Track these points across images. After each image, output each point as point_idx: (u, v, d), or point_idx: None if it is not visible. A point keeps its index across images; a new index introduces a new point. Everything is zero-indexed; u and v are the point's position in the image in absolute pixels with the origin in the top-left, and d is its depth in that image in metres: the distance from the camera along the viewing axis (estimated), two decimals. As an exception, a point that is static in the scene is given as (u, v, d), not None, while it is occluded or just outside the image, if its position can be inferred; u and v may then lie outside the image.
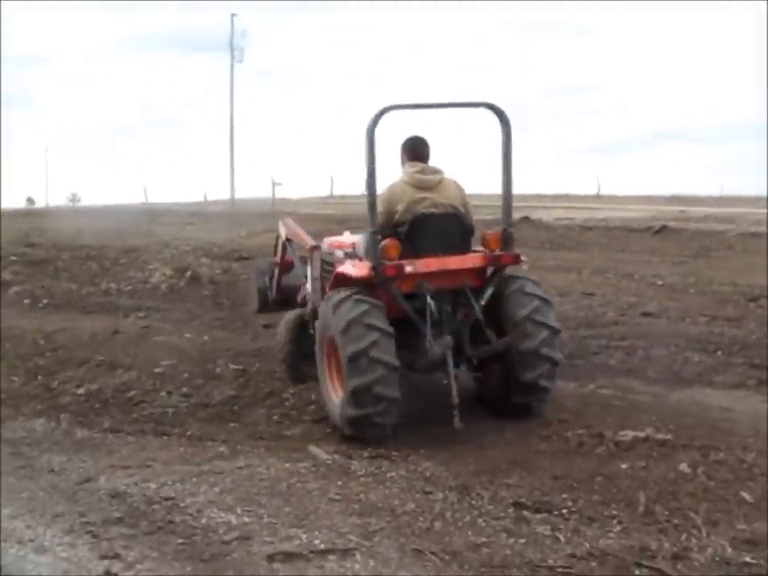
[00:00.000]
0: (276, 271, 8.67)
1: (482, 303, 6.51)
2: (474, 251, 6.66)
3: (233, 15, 45.09)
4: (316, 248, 7.54)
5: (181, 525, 4.69)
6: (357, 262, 6.65)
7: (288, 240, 8.29)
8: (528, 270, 9.96)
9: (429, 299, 6.29)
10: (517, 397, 6.57)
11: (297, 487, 5.27)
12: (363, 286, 6.39)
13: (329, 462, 5.82)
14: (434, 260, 6.39)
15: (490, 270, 6.68)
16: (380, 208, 6.53)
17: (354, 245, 7.27)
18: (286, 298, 8.60)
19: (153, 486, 5.32)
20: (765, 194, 32.43)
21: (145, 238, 17.40)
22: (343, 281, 6.58)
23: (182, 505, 4.97)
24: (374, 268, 6.25)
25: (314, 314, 7.11)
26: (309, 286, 7.56)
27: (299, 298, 8.24)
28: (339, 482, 5.36)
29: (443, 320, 6.42)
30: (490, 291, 6.55)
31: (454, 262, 6.51)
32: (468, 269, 6.57)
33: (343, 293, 6.30)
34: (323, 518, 4.77)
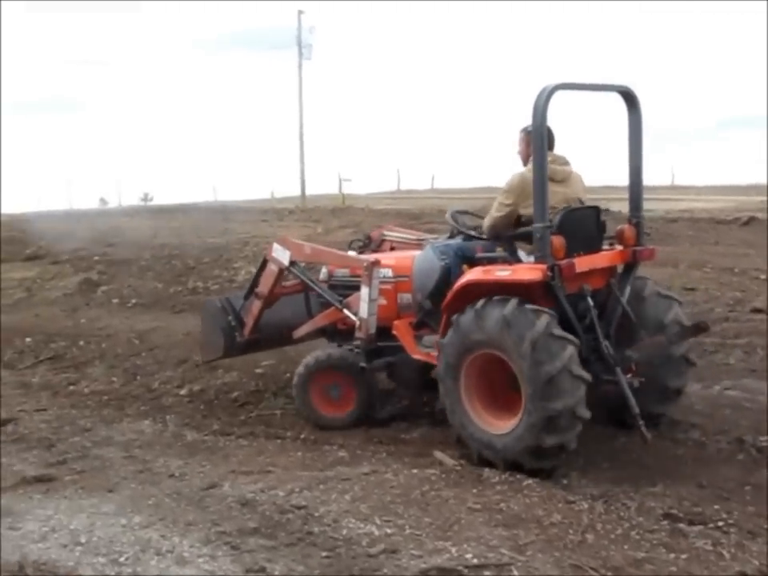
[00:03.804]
0: (254, 306, 7.43)
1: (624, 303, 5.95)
2: (607, 248, 6.13)
3: (300, 12, 44.75)
4: (376, 263, 6.57)
5: (321, 536, 4.49)
6: (511, 265, 5.78)
7: (292, 263, 7.14)
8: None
9: (589, 300, 5.74)
10: (656, 405, 6.01)
11: (431, 495, 5.04)
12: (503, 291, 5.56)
13: (458, 468, 5.60)
14: (587, 258, 5.81)
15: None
16: (508, 199, 5.97)
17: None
18: (263, 338, 7.58)
19: (281, 493, 5.15)
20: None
21: (222, 236, 17.32)
22: (477, 289, 5.70)
23: (316, 514, 4.78)
24: (551, 268, 5.47)
25: (369, 343, 6.57)
26: (363, 310, 6.53)
27: (300, 334, 7.25)
28: (474, 491, 5.12)
29: (595, 324, 5.74)
30: (629, 290, 6.02)
31: (603, 260, 5.98)
32: (608, 267, 6.06)
33: (505, 302, 5.46)
34: (468, 529, 4.54)
